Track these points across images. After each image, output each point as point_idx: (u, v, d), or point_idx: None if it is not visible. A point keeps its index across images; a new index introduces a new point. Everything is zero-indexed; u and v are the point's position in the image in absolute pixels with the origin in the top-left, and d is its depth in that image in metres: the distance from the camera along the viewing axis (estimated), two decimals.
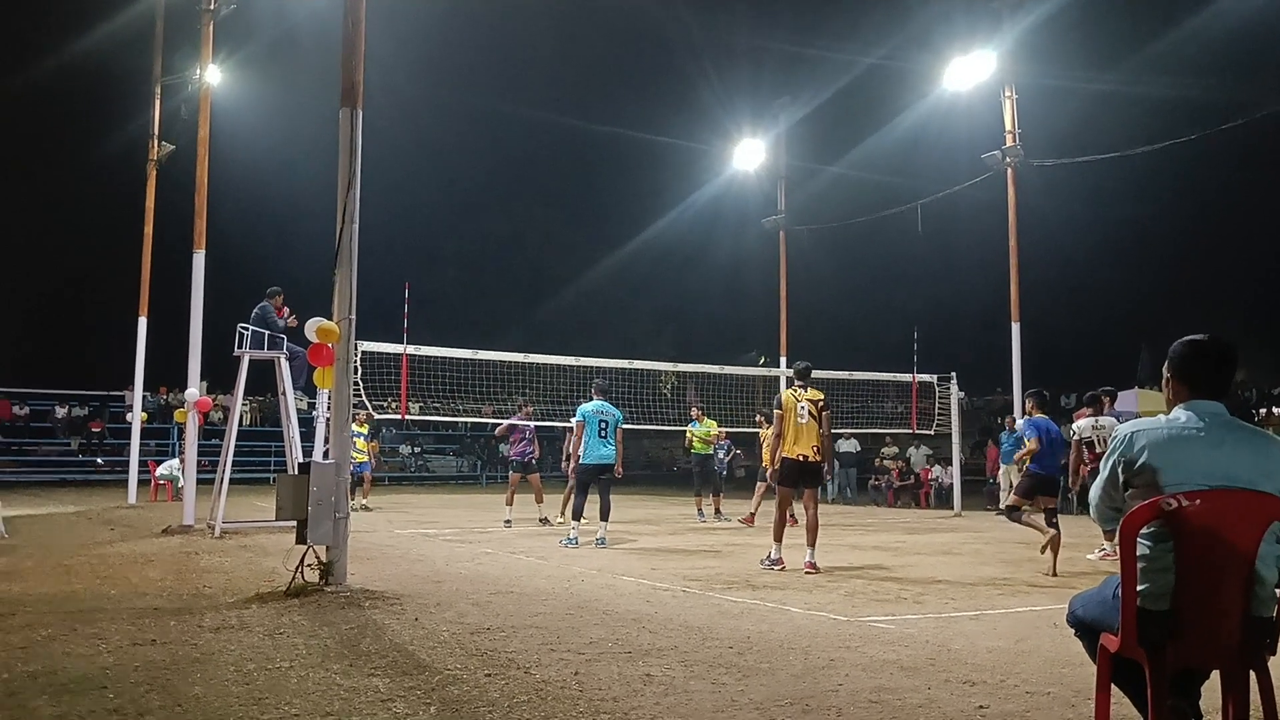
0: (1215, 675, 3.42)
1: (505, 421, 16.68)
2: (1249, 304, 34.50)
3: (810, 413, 10.01)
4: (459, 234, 46.70)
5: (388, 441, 36.30)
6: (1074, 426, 12.51)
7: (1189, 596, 3.22)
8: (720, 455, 18.37)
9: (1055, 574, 9.49)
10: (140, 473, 20.75)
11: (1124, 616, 3.29)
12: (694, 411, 17.92)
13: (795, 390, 10.23)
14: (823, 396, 10.31)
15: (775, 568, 9.79)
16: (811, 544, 9.82)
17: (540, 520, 15.34)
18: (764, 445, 18.16)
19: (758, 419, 18.28)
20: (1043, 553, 9.78)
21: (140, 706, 4.44)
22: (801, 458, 9.95)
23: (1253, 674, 3.29)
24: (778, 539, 10.01)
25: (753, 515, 16.45)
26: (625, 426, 13.42)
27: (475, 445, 38.24)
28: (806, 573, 9.45)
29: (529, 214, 46.42)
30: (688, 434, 17.88)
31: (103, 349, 30.70)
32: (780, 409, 10.14)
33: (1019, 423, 20.40)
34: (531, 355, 18.31)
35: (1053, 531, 9.75)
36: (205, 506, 13.86)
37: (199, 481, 14.57)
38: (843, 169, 31.99)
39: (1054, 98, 26.27)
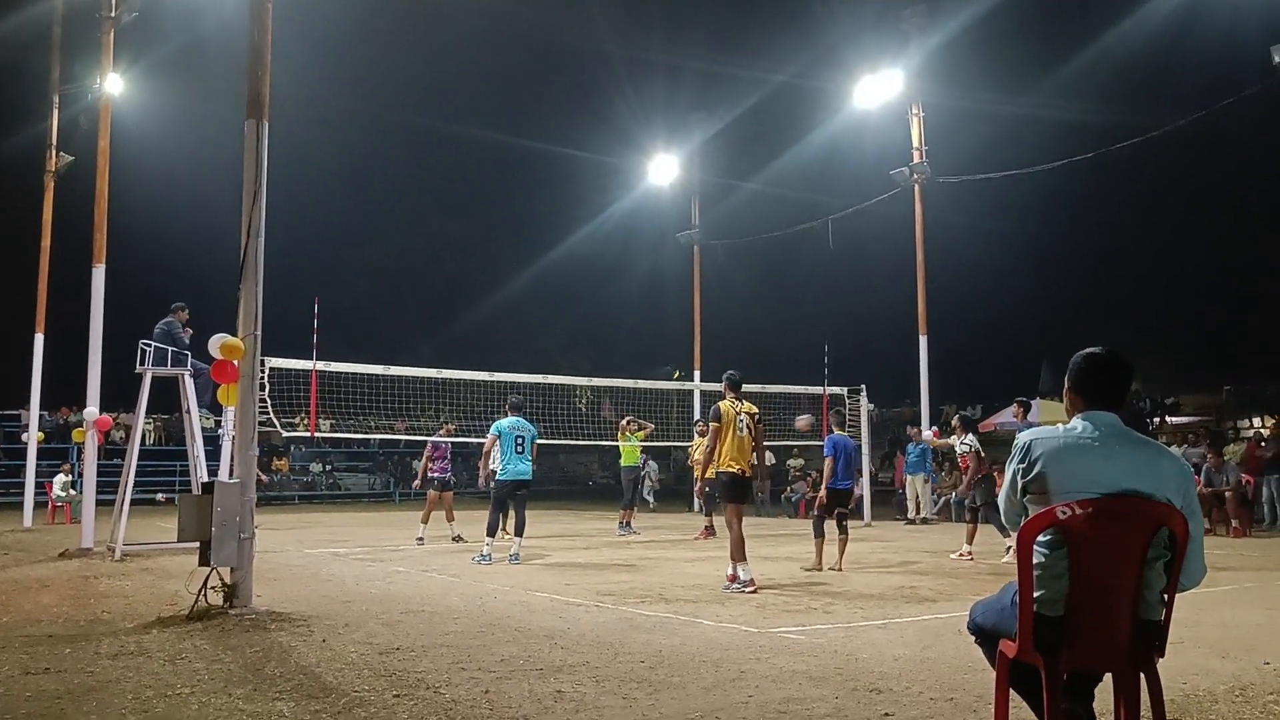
0: (1108, 678, 3.52)
1: (429, 442, 16.30)
2: (1144, 317, 35.78)
3: (748, 426, 9.72)
4: (370, 246, 46.12)
5: (297, 460, 35.61)
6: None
7: (1082, 602, 3.31)
8: (641, 469, 18.45)
9: (841, 569, 10.96)
10: (37, 494, 20.03)
11: (1021, 623, 3.37)
12: (631, 425, 17.83)
13: (732, 401, 9.83)
14: (758, 410, 10.02)
15: (747, 590, 9.07)
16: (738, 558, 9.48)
17: (454, 538, 15.17)
18: (693, 458, 18.20)
19: (699, 427, 18.24)
20: (806, 571, 11.00)
21: None
22: (741, 471, 9.60)
23: (1143, 676, 3.40)
24: (741, 558, 9.31)
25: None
26: (540, 442, 13.38)
27: (388, 462, 37.69)
28: (726, 587, 9.28)
29: (442, 227, 46.05)
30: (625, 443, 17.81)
31: None
32: (718, 421, 9.70)
33: (926, 433, 20.96)
34: (445, 371, 18.14)
35: (819, 565, 11.15)
36: (105, 529, 13.42)
37: (99, 503, 14.10)
38: (756, 184, 32.41)
39: (962, 118, 27.01)
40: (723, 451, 9.65)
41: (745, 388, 10.29)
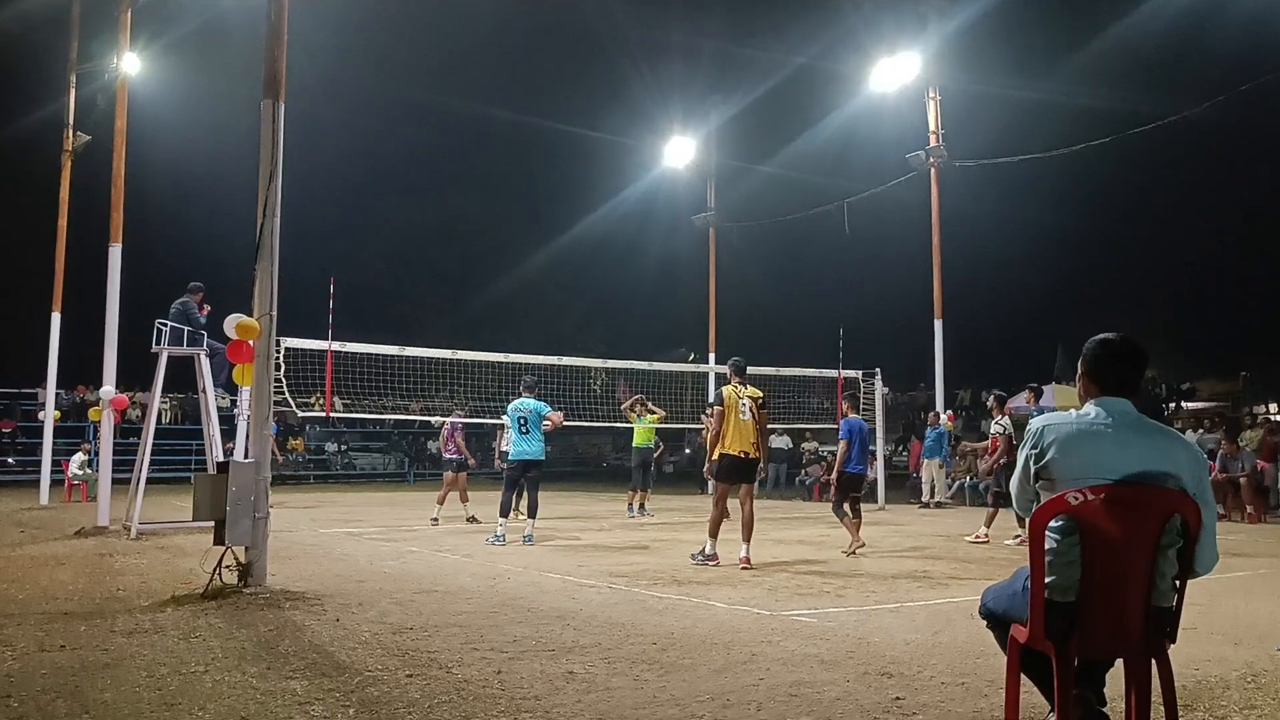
0: (1119, 664, 3.52)
1: (446, 424, 16.41)
2: (1160, 303, 35.53)
3: (751, 410, 10.07)
4: (387, 226, 46.13)
5: (312, 440, 35.77)
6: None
7: (1094, 588, 3.30)
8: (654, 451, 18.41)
9: (857, 550, 11.02)
10: (53, 472, 20.19)
11: (1032, 609, 3.37)
12: (639, 407, 17.73)
13: (736, 386, 10.23)
14: (762, 394, 10.41)
15: (710, 563, 9.76)
16: (747, 539, 9.84)
17: (468, 519, 15.23)
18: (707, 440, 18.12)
19: (708, 412, 18.15)
20: (850, 554, 10.93)
21: (46, 714, 4.33)
22: (742, 454, 10.01)
23: (1154, 663, 3.40)
24: (713, 535, 10.01)
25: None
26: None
27: (403, 442, 37.83)
28: (742, 568, 9.49)
29: (459, 207, 45.98)
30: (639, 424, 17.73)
31: (14, 345, 29.69)
32: (721, 405, 10.14)
33: (942, 418, 20.93)
34: (459, 352, 18.18)
35: (859, 541, 11.18)
36: (121, 507, 13.53)
37: (115, 481, 14.20)
38: (773, 168, 32.27)
39: (980, 102, 26.78)
40: (725, 435, 10.03)
41: (760, 371, 10.49)
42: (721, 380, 22.35)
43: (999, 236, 34.51)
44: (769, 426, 11.63)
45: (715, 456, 10.21)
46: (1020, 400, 15.99)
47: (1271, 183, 31.94)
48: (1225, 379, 32.23)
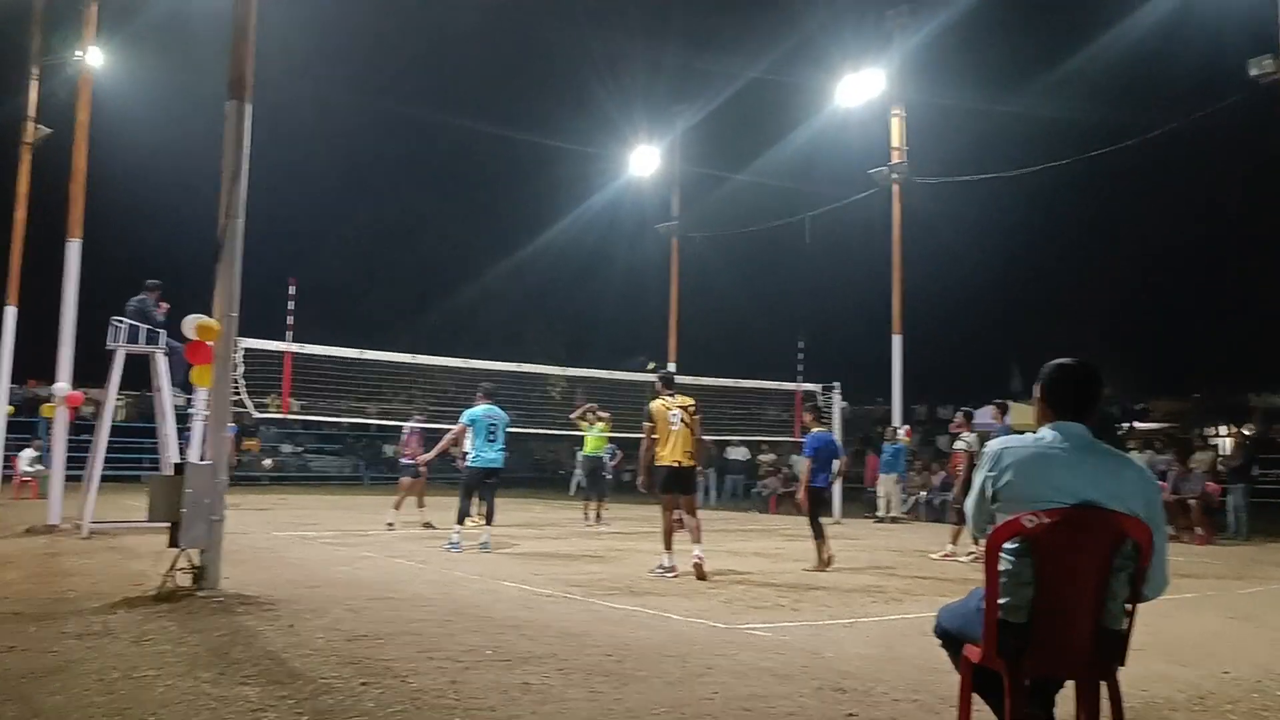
0: (1070, 685, 3.58)
1: (405, 428, 16.41)
2: (1115, 323, 36.08)
3: (682, 419, 10.16)
4: (350, 230, 45.78)
5: (268, 440, 35.38)
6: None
7: (1046, 609, 3.36)
8: (606, 459, 18.39)
9: (827, 567, 10.84)
10: (4, 469, 19.81)
11: (986, 629, 3.42)
12: (592, 414, 17.68)
13: (664, 399, 10.31)
14: (693, 402, 10.48)
15: (669, 575, 9.80)
16: (697, 540, 9.96)
17: (423, 524, 15.15)
18: None
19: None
20: (813, 570, 10.83)
21: None
22: (676, 464, 10.11)
23: (1104, 684, 3.45)
24: (668, 547, 10.07)
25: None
26: (513, 430, 13.36)
27: (358, 445, 37.52)
28: (695, 572, 9.59)
29: (422, 214, 45.73)
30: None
31: None
32: (650, 420, 10.25)
33: (900, 432, 21.07)
34: (419, 356, 18.10)
35: (828, 552, 11.00)
36: (73, 505, 13.31)
37: (67, 479, 13.96)
38: (737, 178, 32.36)
39: (944, 117, 27.03)
40: (660, 447, 10.16)
41: (719, 382, 10.51)
42: (681, 391, 22.43)
43: (959, 253, 34.91)
44: (704, 437, 11.63)
45: (649, 470, 10.29)
46: (986, 416, 16.03)
47: (1227, 205, 32.59)
48: (1178, 399, 32.80)
